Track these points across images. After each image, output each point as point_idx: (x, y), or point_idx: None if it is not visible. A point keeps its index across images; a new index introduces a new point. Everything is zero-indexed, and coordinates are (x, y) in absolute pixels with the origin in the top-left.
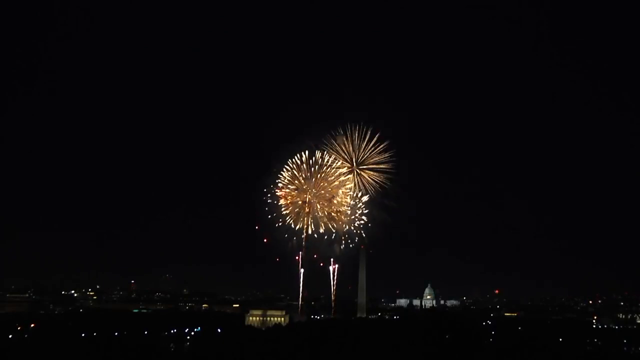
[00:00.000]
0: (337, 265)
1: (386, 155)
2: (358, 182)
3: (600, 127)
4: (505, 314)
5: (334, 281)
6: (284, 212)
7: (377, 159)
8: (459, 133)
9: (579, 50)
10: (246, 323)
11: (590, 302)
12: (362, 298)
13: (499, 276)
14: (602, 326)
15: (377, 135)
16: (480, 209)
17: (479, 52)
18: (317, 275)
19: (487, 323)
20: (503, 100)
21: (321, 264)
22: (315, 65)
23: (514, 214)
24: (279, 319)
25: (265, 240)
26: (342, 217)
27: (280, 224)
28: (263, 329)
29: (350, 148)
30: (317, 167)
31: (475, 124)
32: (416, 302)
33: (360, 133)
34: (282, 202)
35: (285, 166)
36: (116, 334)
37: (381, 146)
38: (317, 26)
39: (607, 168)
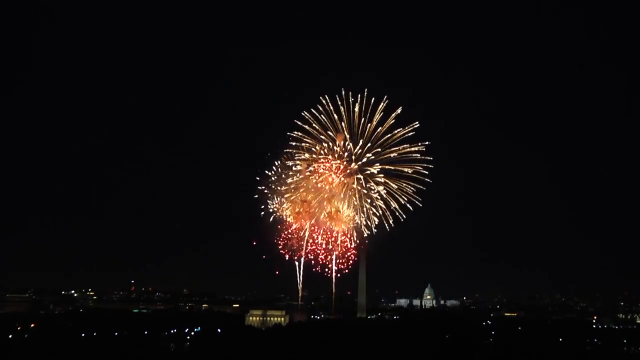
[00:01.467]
0: (337, 267)
1: (415, 148)
2: (362, 195)
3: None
4: (505, 314)
5: (334, 282)
6: (280, 215)
7: (395, 153)
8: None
9: None
10: (246, 323)
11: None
12: (362, 298)
13: (498, 276)
14: (602, 326)
15: (397, 112)
16: (481, 208)
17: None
18: (317, 276)
19: (487, 323)
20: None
21: (321, 271)
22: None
23: (514, 214)
24: (279, 319)
25: (264, 257)
26: (343, 218)
27: (277, 239)
28: (263, 329)
29: (347, 133)
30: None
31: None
32: (416, 302)
33: (363, 105)
34: (277, 207)
35: (279, 162)
36: (116, 334)
37: (405, 131)
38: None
39: (606, 168)
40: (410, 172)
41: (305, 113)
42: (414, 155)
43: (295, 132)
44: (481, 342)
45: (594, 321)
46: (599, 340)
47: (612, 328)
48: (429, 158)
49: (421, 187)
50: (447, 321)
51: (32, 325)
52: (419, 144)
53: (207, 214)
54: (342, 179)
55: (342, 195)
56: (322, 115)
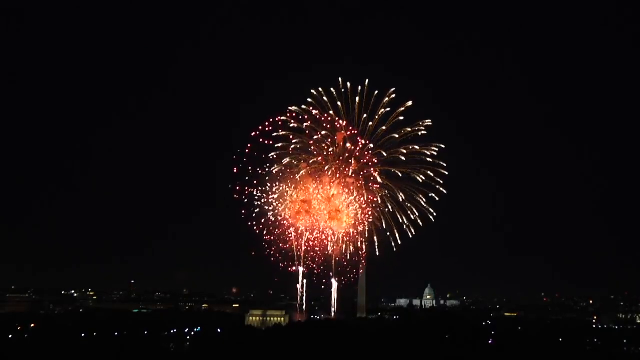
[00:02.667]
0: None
1: (428, 152)
2: (363, 202)
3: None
4: (505, 314)
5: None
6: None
7: (403, 156)
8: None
9: None
10: (246, 323)
11: (591, 302)
12: (362, 298)
13: (498, 276)
14: (602, 326)
15: (406, 106)
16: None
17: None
18: (318, 275)
19: (487, 323)
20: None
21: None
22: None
23: (510, 214)
24: (279, 319)
25: (263, 263)
26: (342, 217)
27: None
28: (263, 329)
29: (345, 130)
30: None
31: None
32: (416, 302)
33: (365, 95)
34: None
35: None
36: (116, 334)
37: (415, 130)
38: None
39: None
40: (422, 179)
41: (295, 107)
42: (425, 158)
43: (283, 131)
44: (481, 342)
45: (594, 321)
46: (599, 340)
47: (612, 328)
48: (442, 164)
49: (434, 196)
50: (447, 321)
51: (32, 325)
52: (433, 145)
53: (203, 214)
54: (341, 180)
55: (342, 199)
56: (313, 109)
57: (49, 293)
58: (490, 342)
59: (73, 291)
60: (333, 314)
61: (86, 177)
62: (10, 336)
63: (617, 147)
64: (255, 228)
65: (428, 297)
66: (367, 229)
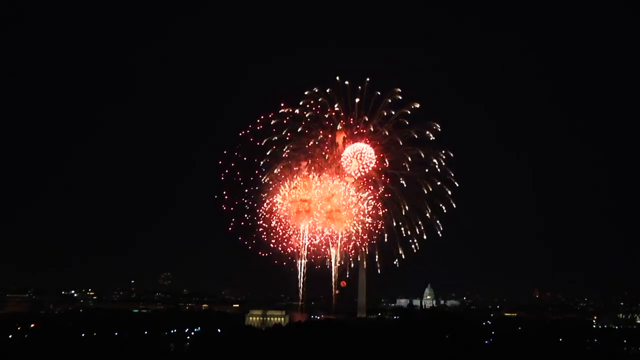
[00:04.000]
0: (337, 266)
1: (435, 160)
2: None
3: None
4: (505, 314)
5: (334, 281)
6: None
7: (407, 164)
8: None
9: None
10: (246, 323)
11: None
12: (362, 298)
13: (498, 276)
14: (602, 326)
15: (412, 107)
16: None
17: None
18: (317, 275)
19: (487, 323)
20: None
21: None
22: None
23: (509, 214)
24: (279, 319)
25: (265, 264)
26: (342, 216)
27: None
28: (263, 329)
29: (344, 128)
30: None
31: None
32: (416, 302)
33: (365, 94)
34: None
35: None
36: (116, 334)
37: (429, 133)
38: None
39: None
40: (429, 188)
41: (288, 109)
42: (433, 165)
43: (277, 133)
44: (481, 342)
45: (594, 321)
46: (599, 340)
47: (612, 328)
48: (452, 173)
49: (442, 206)
50: (447, 321)
51: (32, 325)
52: (441, 151)
53: (201, 214)
54: (342, 179)
55: (341, 199)
56: (310, 110)
57: (49, 293)
58: (489, 342)
59: (73, 291)
60: (334, 297)
61: (86, 177)
62: (10, 336)
63: (618, 147)
64: (246, 242)
65: (428, 297)
66: (367, 243)
